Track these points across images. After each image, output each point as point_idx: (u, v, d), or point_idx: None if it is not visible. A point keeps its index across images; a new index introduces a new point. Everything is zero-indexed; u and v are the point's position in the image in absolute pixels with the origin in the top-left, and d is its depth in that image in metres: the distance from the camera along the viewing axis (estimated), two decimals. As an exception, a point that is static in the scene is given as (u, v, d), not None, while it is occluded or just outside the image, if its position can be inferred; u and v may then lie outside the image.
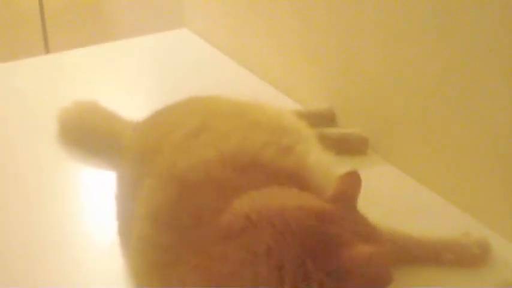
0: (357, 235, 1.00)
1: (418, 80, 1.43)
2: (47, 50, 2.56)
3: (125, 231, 1.25)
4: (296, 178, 1.15)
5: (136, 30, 2.34)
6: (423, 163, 1.47)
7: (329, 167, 1.25)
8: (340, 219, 1.02)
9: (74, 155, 1.62)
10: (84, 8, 2.78)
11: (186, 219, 1.09)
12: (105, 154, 1.56)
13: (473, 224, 1.34)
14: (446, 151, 1.41)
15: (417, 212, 1.39)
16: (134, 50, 2.20)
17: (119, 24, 2.67)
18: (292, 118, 1.38)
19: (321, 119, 1.63)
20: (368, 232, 1.04)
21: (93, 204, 1.48)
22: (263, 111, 1.34)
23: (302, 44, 1.78)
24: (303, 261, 0.97)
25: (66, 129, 1.66)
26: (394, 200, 1.43)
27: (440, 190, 1.43)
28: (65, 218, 1.43)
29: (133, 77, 2.01)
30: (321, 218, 1.01)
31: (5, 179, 1.55)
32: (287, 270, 0.97)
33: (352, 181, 1.09)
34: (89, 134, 1.62)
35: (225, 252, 1.01)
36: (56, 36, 2.56)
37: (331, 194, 1.07)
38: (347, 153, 1.54)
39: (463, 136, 1.36)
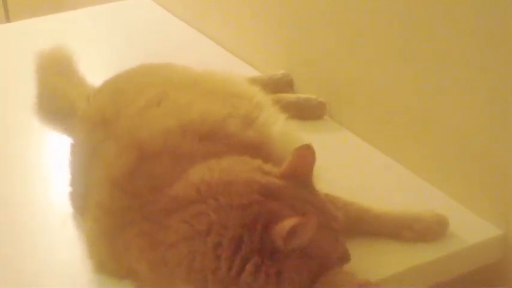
0: (298, 212, 1.01)
1: (377, 45, 1.44)
2: (8, 19, 2.54)
3: (78, 197, 1.26)
4: (259, 150, 1.17)
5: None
6: (378, 128, 1.48)
7: (293, 138, 1.25)
8: (286, 196, 1.03)
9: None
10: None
11: (141, 186, 1.10)
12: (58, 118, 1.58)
13: (428, 188, 1.36)
14: (402, 117, 1.42)
15: (373, 177, 1.40)
16: (95, 19, 2.18)
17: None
18: (245, 84, 1.39)
19: (278, 85, 1.63)
20: (311, 209, 1.04)
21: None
22: (216, 79, 1.35)
23: (260, 11, 1.78)
24: (240, 238, 0.99)
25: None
26: (351, 165, 1.44)
27: (396, 155, 1.44)
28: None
29: (94, 45, 1.99)
30: (265, 193, 1.03)
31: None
32: (224, 249, 0.99)
33: (306, 155, 1.08)
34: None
35: (170, 223, 1.04)
36: (17, 4, 2.54)
37: (283, 169, 1.07)
38: (304, 118, 1.54)
39: (418, 103, 1.37)
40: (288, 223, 0.96)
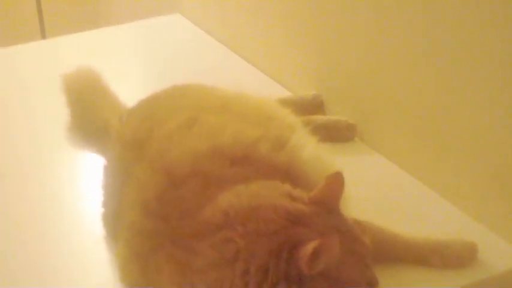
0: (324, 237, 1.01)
1: (406, 69, 1.44)
2: (43, 36, 2.57)
3: (110, 219, 1.28)
4: (289, 173, 1.17)
5: (130, 15, 2.35)
6: (409, 152, 1.48)
7: (323, 161, 1.25)
8: (313, 222, 1.03)
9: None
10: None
11: (171, 209, 1.11)
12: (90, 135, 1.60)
13: (457, 213, 1.35)
14: (432, 141, 1.42)
15: (402, 200, 1.40)
16: (128, 35, 2.21)
17: (113, 10, 2.67)
18: (275, 106, 1.40)
19: (309, 106, 1.64)
20: (338, 235, 1.03)
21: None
22: (247, 102, 1.35)
23: (291, 32, 1.79)
24: (267, 265, 0.99)
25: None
26: (380, 188, 1.43)
27: (425, 179, 1.43)
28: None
29: (127, 62, 2.02)
30: (293, 220, 1.03)
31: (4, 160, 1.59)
32: (252, 276, 0.99)
33: (336, 182, 1.08)
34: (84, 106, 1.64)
35: (199, 248, 1.04)
36: (52, 21, 2.57)
37: (312, 195, 1.08)
38: (334, 140, 1.54)
39: (450, 127, 1.37)
40: (310, 246, 0.97)
